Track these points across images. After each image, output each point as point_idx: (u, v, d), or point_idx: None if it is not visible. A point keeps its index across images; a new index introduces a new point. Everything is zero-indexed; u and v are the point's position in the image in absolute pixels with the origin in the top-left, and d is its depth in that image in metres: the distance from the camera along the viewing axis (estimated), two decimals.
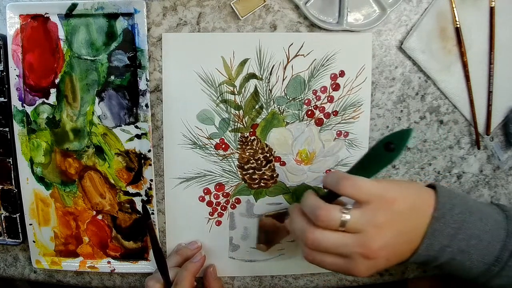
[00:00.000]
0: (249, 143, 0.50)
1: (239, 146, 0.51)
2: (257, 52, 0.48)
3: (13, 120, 0.49)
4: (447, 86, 0.50)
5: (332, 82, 0.49)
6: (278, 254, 0.53)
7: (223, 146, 0.50)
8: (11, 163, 0.50)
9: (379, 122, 0.51)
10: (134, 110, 0.49)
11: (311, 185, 0.52)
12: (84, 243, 0.53)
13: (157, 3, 0.48)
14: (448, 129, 0.52)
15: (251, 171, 0.51)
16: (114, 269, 0.53)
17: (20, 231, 0.52)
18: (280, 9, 0.48)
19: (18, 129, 0.49)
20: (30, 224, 0.52)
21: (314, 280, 0.54)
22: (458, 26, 0.48)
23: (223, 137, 0.50)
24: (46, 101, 0.49)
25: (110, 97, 0.49)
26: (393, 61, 0.50)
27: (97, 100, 0.49)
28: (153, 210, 0.51)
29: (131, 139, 0.50)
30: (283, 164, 0.51)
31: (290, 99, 0.50)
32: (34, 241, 0.52)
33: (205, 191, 0.52)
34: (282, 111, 0.50)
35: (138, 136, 0.50)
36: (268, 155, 0.51)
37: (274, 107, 0.50)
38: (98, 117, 0.49)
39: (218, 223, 0.53)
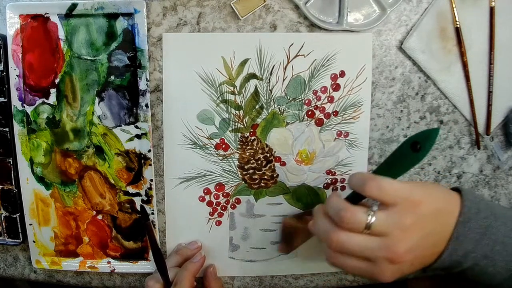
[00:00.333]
0: (249, 143, 0.50)
1: (239, 146, 0.51)
2: (257, 52, 0.48)
3: (13, 120, 0.49)
4: (447, 86, 0.50)
5: (332, 82, 0.49)
6: (278, 254, 0.53)
7: (223, 146, 0.50)
8: (11, 163, 0.50)
9: (379, 122, 0.51)
10: (134, 110, 0.49)
11: (311, 185, 0.52)
12: (84, 243, 0.53)
13: (157, 3, 0.48)
14: (448, 129, 0.52)
15: (251, 171, 0.51)
16: (114, 269, 0.53)
17: (20, 231, 0.52)
18: (280, 9, 0.48)
19: (18, 129, 0.49)
20: (30, 224, 0.52)
21: (314, 280, 0.54)
22: (458, 26, 0.48)
23: (223, 137, 0.50)
24: (46, 101, 0.49)
25: (110, 97, 0.49)
26: (393, 61, 0.50)
27: (97, 100, 0.49)
28: (153, 210, 0.51)
29: (131, 139, 0.50)
30: (283, 164, 0.51)
31: (291, 99, 0.50)
32: (34, 241, 0.52)
33: (205, 191, 0.52)
34: (282, 111, 0.50)
35: (138, 136, 0.50)
36: (268, 155, 0.51)
37: (275, 107, 0.50)
38: (98, 117, 0.49)
39: (218, 223, 0.53)
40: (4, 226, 0.52)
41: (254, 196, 0.52)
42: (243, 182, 0.52)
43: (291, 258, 0.53)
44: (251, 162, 0.51)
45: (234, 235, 0.53)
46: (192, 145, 0.50)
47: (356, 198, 0.38)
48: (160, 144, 0.51)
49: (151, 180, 0.50)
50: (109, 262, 0.53)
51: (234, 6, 0.47)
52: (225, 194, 0.52)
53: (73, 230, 0.53)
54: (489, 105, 0.50)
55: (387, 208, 0.35)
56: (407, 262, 0.35)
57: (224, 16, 0.48)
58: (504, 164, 0.53)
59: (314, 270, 0.54)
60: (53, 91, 0.49)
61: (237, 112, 0.50)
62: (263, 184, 0.52)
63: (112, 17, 0.47)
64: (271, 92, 0.49)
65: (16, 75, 0.48)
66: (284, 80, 0.49)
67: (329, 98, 0.50)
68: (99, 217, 0.52)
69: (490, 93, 0.50)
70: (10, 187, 0.51)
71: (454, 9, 0.48)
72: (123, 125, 0.49)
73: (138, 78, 0.48)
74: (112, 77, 0.48)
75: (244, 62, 0.49)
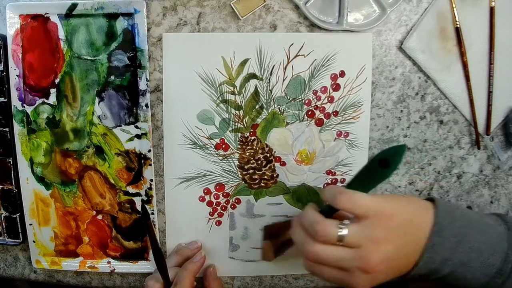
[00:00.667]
0: (249, 143, 0.50)
1: (239, 146, 0.51)
2: (257, 52, 0.48)
3: (13, 120, 0.49)
4: (447, 86, 0.50)
5: (332, 82, 0.49)
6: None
7: (223, 146, 0.50)
8: (11, 163, 0.50)
9: (379, 122, 0.51)
10: (134, 110, 0.49)
11: (311, 185, 0.52)
12: (84, 243, 0.53)
13: (157, 3, 0.48)
14: (448, 129, 0.52)
15: (251, 171, 0.51)
16: (114, 269, 0.53)
17: (20, 231, 0.52)
18: (280, 9, 0.48)
19: (18, 129, 0.49)
20: (30, 224, 0.52)
21: (314, 280, 0.54)
22: (458, 26, 0.48)
23: (223, 137, 0.50)
24: (46, 101, 0.49)
25: (110, 97, 0.49)
26: (393, 61, 0.50)
27: (97, 100, 0.49)
28: (153, 210, 0.51)
29: (131, 139, 0.50)
30: (283, 164, 0.51)
31: (291, 99, 0.50)
32: (34, 241, 0.52)
33: (205, 191, 0.52)
34: (282, 111, 0.50)
35: (138, 136, 0.50)
36: (268, 155, 0.51)
37: (275, 107, 0.50)
38: (98, 117, 0.49)
39: (218, 223, 0.53)
40: (4, 226, 0.52)
41: (254, 196, 0.52)
42: (243, 182, 0.52)
43: (291, 258, 0.53)
44: (251, 162, 0.51)
45: (234, 235, 0.53)
46: (192, 145, 0.50)
47: (332, 210, 0.38)
48: (160, 144, 0.51)
49: (151, 180, 0.50)
50: (109, 262, 0.53)
51: (234, 6, 0.47)
52: (225, 194, 0.52)
53: (73, 230, 0.53)
54: (489, 105, 0.50)
55: (359, 221, 0.36)
56: (381, 272, 0.36)
57: (224, 16, 0.48)
58: (504, 164, 0.53)
59: None
60: (53, 91, 0.49)
61: (237, 112, 0.50)
62: (263, 184, 0.52)
63: (112, 17, 0.47)
64: (271, 92, 0.49)
65: (16, 75, 0.48)
66: (284, 80, 0.49)
67: (329, 98, 0.50)
68: (99, 217, 0.52)
69: (490, 93, 0.50)
70: (10, 187, 0.51)
71: (454, 9, 0.48)
72: (123, 125, 0.49)
73: (138, 78, 0.48)
74: (112, 77, 0.48)
75: (244, 62, 0.49)
